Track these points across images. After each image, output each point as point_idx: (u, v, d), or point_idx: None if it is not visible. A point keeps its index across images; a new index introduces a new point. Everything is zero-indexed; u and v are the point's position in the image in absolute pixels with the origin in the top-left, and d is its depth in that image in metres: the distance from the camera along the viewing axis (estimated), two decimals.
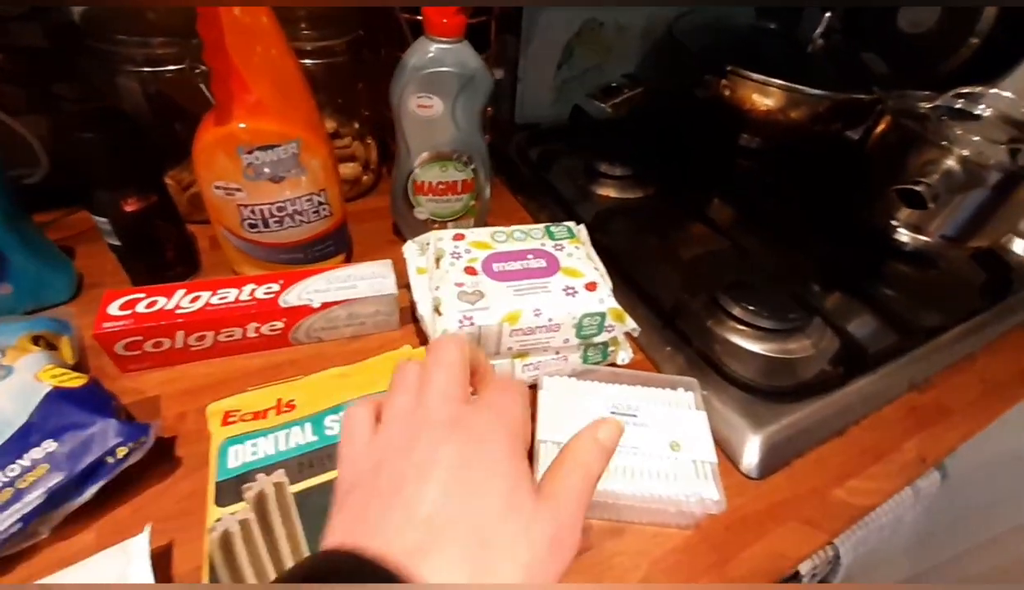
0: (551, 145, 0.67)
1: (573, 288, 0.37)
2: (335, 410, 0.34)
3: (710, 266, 0.53)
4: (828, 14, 0.61)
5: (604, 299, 0.37)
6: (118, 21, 0.43)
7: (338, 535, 0.19)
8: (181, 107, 0.45)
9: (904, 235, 0.55)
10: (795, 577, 0.55)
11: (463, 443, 0.20)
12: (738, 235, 0.56)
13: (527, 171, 0.63)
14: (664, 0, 0.69)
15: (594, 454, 0.22)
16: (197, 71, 0.42)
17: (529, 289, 0.36)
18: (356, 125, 0.54)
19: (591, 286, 0.38)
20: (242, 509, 0.29)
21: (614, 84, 0.55)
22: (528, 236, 0.41)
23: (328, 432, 0.32)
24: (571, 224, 0.44)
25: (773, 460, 0.38)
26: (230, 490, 0.30)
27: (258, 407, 0.34)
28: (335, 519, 0.20)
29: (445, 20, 0.38)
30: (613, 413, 0.35)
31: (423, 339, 0.42)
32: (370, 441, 0.22)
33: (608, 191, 0.62)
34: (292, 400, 0.34)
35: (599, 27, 0.68)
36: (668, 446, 0.34)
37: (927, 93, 0.55)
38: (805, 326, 0.47)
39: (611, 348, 0.40)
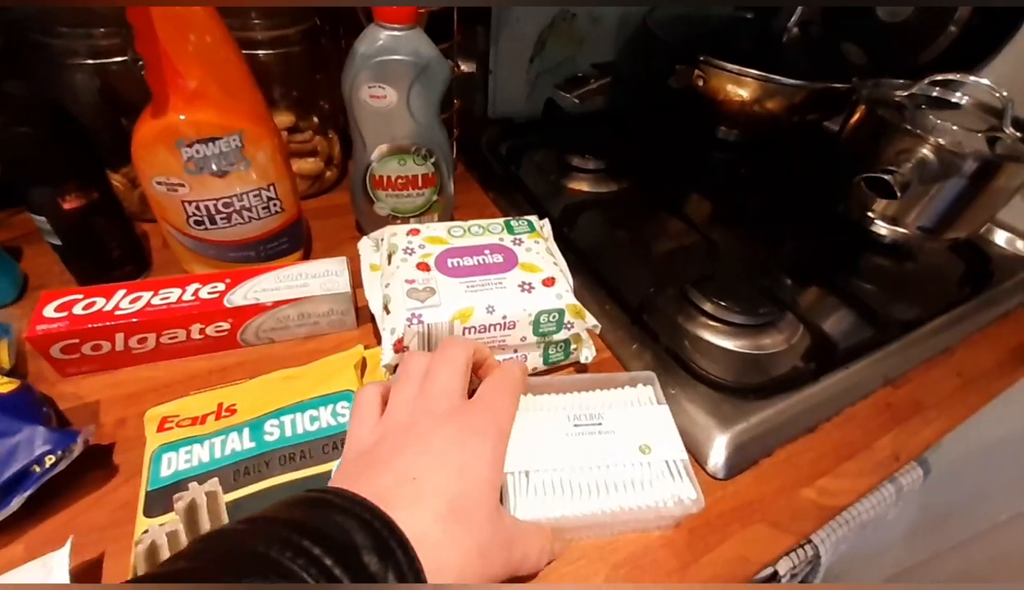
0: (523, 139, 0.65)
1: (530, 284, 0.36)
2: (276, 414, 0.32)
3: (681, 261, 0.52)
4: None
5: (562, 295, 0.36)
6: (60, 12, 0.41)
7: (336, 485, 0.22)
8: (129, 101, 0.44)
9: (881, 227, 0.54)
10: (773, 577, 0.54)
11: (458, 430, 0.24)
12: (711, 229, 0.55)
13: (497, 166, 0.62)
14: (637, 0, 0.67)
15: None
16: (140, 63, 0.40)
17: (483, 286, 0.35)
18: (316, 119, 0.52)
19: (549, 282, 0.36)
20: (171, 520, 0.27)
21: (581, 74, 0.54)
22: (486, 231, 0.40)
23: (267, 438, 0.31)
24: (532, 218, 0.42)
25: (740, 460, 0.37)
26: (160, 500, 0.28)
27: (197, 412, 0.32)
28: (335, 478, 0.23)
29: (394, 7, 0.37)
30: (577, 426, 0.32)
31: (381, 338, 0.41)
32: (377, 421, 0.26)
33: (580, 185, 0.61)
34: (233, 404, 0.33)
35: (572, 18, 0.66)
36: (638, 450, 0.32)
37: (902, 81, 0.54)
38: (777, 321, 0.46)
39: (573, 346, 0.39)
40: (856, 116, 0.54)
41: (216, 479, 0.29)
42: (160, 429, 0.31)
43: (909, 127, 0.48)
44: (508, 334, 0.35)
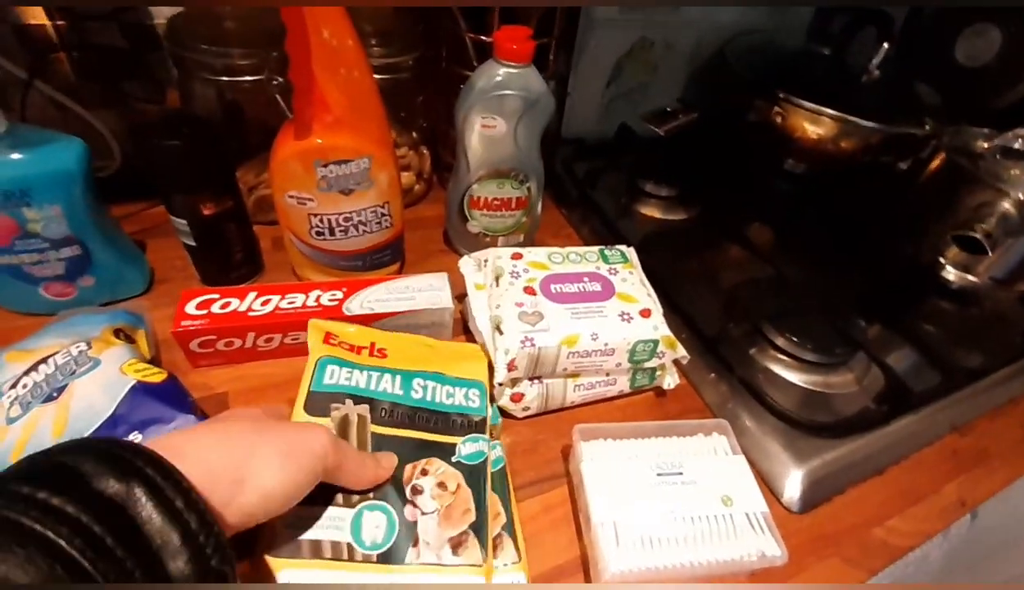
0: (596, 161, 0.68)
1: (628, 314, 0.38)
2: (422, 375, 0.35)
3: (752, 293, 0.54)
4: (887, 45, 0.61)
5: (658, 326, 0.38)
6: (200, 30, 0.44)
7: None
8: (253, 116, 0.47)
9: (951, 274, 0.55)
10: None
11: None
12: (780, 262, 0.57)
13: (572, 186, 0.64)
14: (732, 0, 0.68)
15: (367, 475, 0.29)
16: (274, 83, 0.43)
17: (586, 313, 0.37)
18: (413, 135, 0.55)
19: (645, 313, 0.38)
20: (325, 426, 0.30)
21: (669, 109, 0.56)
22: (583, 259, 0.42)
23: (414, 394, 0.34)
24: (623, 248, 0.45)
25: (815, 496, 0.39)
26: (320, 403, 0.31)
27: (354, 342, 0.36)
28: None
29: (515, 46, 0.40)
30: (660, 475, 0.34)
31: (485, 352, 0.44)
32: None
33: (651, 211, 0.63)
34: (384, 348, 0.36)
35: (650, 46, 0.68)
36: (720, 502, 0.33)
37: (985, 131, 0.55)
38: (848, 360, 0.47)
39: (658, 373, 0.41)
40: (935, 163, 0.55)
41: (368, 406, 0.32)
42: (326, 341, 0.35)
43: (989, 180, 0.49)
44: (606, 360, 0.37)
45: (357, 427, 0.31)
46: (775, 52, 0.70)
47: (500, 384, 0.36)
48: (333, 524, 0.27)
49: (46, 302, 0.41)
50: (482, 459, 0.32)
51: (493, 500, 0.31)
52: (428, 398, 0.34)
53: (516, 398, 0.37)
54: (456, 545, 0.28)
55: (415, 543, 0.28)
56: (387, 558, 0.27)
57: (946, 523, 0.41)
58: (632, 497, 0.33)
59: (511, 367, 0.35)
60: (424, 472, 0.31)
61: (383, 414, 0.32)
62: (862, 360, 0.48)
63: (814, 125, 0.59)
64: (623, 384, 0.41)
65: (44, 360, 0.35)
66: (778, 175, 0.70)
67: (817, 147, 0.62)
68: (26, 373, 0.34)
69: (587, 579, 0.33)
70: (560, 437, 0.39)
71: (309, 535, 0.26)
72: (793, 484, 0.39)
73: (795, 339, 0.47)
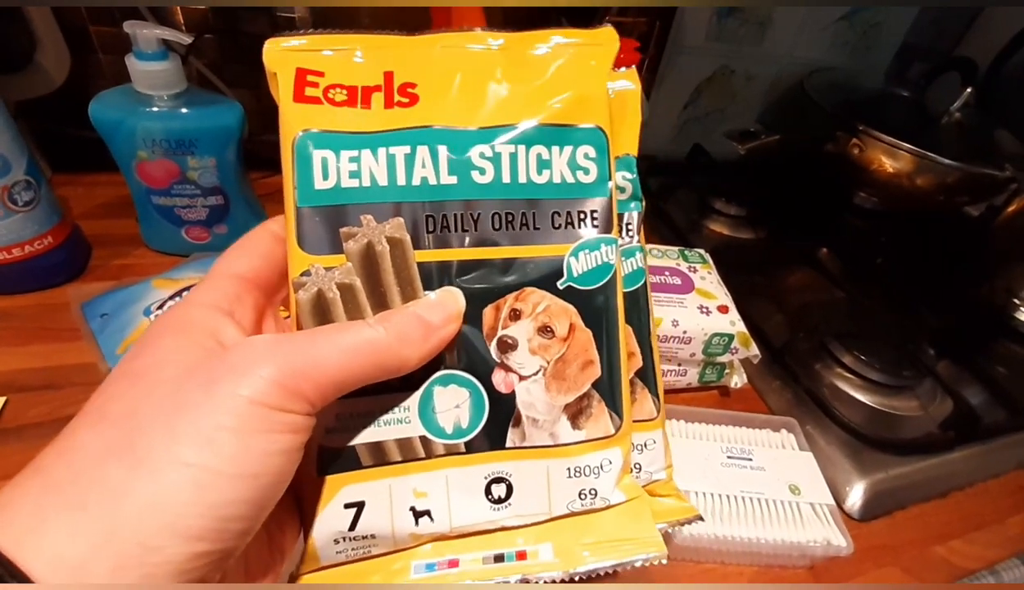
0: (668, 177, 0.71)
1: (707, 308, 0.40)
2: (488, 136, 0.19)
3: (819, 312, 0.55)
4: (969, 89, 0.62)
5: (735, 322, 0.40)
6: (336, 22, 0.50)
7: None
8: None
9: (1023, 315, 0.55)
10: None
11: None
12: (848, 287, 0.58)
13: (645, 199, 0.67)
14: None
15: (410, 351, 0.17)
16: None
17: (667, 301, 0.40)
18: None
19: (723, 308, 0.41)
20: (341, 266, 0.18)
21: (752, 129, 0.59)
22: (664, 255, 0.45)
23: (477, 176, 0.19)
24: (702, 251, 0.47)
25: (876, 507, 0.40)
26: (320, 228, 0.18)
27: (354, 79, 0.19)
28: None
29: (622, 55, 0.43)
30: (729, 458, 0.36)
31: None
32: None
33: (720, 228, 0.65)
34: (412, 83, 0.20)
35: (730, 74, 0.72)
36: (788, 489, 0.35)
37: None
38: (915, 386, 0.48)
39: (727, 371, 0.43)
40: (1014, 207, 0.56)
41: (401, 221, 0.18)
42: (299, 93, 0.19)
43: None
44: (682, 348, 0.40)
45: (392, 260, 0.18)
46: (854, 90, 0.72)
47: None
48: (393, 415, 0.18)
49: (184, 243, 0.46)
50: (608, 276, 0.20)
51: (627, 334, 0.22)
52: (504, 178, 0.19)
53: None
54: (576, 414, 0.20)
55: (516, 421, 0.19)
56: (478, 445, 0.19)
57: (1010, 553, 0.40)
58: (703, 473, 0.35)
59: None
60: (515, 315, 0.20)
61: (431, 227, 0.19)
62: (928, 387, 0.48)
63: (892, 159, 0.61)
64: (692, 376, 0.43)
65: (187, 288, 0.40)
66: (848, 207, 0.71)
67: (892, 182, 0.63)
68: (171, 298, 0.40)
69: None
70: None
71: (364, 437, 0.18)
72: (856, 492, 0.40)
73: (862, 357, 0.48)
